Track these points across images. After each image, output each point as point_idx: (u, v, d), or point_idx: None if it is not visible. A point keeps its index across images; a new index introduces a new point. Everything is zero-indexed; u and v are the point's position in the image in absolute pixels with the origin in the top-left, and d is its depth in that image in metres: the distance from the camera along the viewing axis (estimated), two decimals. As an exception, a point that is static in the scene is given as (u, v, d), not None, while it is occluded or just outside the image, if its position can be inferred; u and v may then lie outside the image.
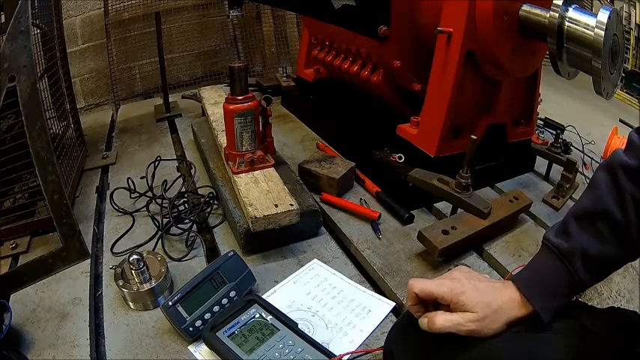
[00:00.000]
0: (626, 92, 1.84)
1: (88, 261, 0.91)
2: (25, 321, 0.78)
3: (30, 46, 0.83)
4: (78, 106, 1.48)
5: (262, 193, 0.92)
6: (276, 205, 0.88)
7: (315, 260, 0.92)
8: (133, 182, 1.14)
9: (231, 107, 0.97)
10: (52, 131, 1.04)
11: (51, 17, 1.20)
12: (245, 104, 0.97)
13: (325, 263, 0.91)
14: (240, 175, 1.00)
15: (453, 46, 0.97)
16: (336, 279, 0.87)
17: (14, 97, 0.82)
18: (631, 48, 1.90)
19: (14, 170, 0.92)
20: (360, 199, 1.10)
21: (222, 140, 1.12)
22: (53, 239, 0.96)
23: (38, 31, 1.08)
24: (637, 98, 1.80)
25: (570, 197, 1.10)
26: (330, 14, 1.06)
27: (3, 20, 1.01)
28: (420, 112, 1.09)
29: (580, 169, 1.21)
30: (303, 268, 0.90)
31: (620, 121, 1.46)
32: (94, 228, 1.02)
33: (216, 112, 1.30)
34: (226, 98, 0.99)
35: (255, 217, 0.85)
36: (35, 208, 0.99)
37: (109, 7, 1.87)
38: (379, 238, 0.97)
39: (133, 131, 1.58)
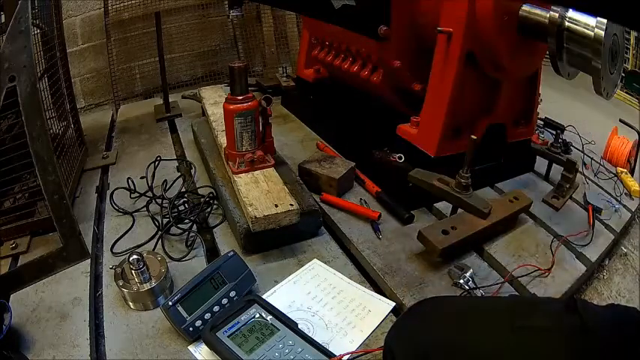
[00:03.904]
0: (626, 92, 1.84)
1: (88, 261, 0.91)
2: (25, 321, 0.78)
3: (30, 46, 0.83)
4: (78, 106, 1.48)
5: (262, 193, 0.92)
6: (276, 205, 0.88)
7: (315, 260, 0.92)
8: (133, 182, 1.14)
9: (231, 107, 0.97)
10: (52, 131, 1.04)
11: (51, 17, 1.20)
12: (245, 104, 0.97)
13: (325, 263, 0.91)
14: (240, 175, 1.00)
15: (453, 46, 0.97)
16: (336, 279, 0.87)
17: (14, 97, 0.82)
18: (631, 48, 1.89)
19: (14, 170, 0.92)
20: (360, 199, 1.10)
21: (222, 140, 1.12)
22: (53, 239, 0.95)
23: (38, 31, 1.08)
24: (637, 98, 1.79)
25: (570, 197, 1.10)
26: (330, 14, 1.06)
27: (3, 20, 1.01)
28: (420, 112, 1.09)
29: (580, 169, 1.21)
30: (303, 268, 0.90)
31: (620, 121, 1.45)
32: (94, 228, 1.02)
33: (216, 112, 1.30)
34: (226, 98, 0.99)
35: (255, 217, 0.85)
36: (35, 208, 0.99)
37: (109, 7, 1.87)
38: (379, 238, 0.97)
39: (133, 131, 1.58)
